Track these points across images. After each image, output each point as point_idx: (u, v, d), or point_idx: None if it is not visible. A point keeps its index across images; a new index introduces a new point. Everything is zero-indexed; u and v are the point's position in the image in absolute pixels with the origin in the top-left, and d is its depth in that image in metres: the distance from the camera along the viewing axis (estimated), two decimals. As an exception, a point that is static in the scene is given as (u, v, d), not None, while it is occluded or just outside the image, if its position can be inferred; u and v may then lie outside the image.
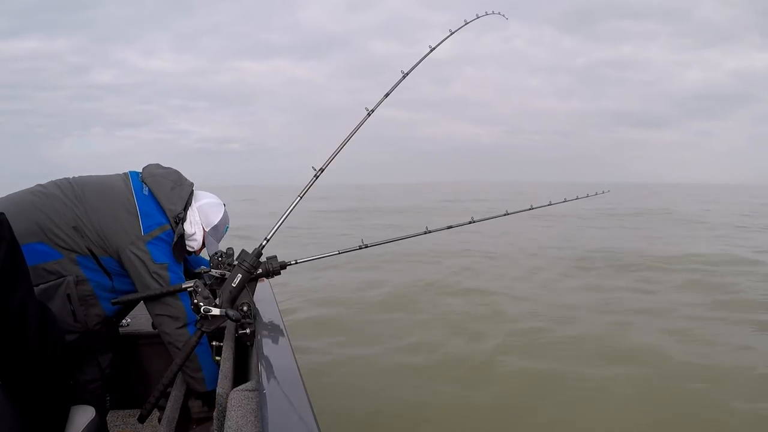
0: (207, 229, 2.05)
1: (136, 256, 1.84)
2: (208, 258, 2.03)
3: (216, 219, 2.07)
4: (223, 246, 2.03)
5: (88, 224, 1.82)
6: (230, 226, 2.17)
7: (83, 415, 1.41)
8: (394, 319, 5.65)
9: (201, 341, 1.86)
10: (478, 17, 2.56)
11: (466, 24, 2.50)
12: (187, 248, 2.03)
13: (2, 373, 1.08)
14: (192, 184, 2.05)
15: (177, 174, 2.03)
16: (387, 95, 2.24)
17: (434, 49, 2.38)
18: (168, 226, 1.92)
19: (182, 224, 1.95)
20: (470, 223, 2.33)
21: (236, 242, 2.16)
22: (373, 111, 2.17)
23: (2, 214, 1.06)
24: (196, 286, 1.77)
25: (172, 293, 1.87)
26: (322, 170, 2.04)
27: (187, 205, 2.00)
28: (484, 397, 3.73)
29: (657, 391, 3.77)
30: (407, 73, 2.28)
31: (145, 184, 1.96)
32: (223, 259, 1.92)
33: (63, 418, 1.35)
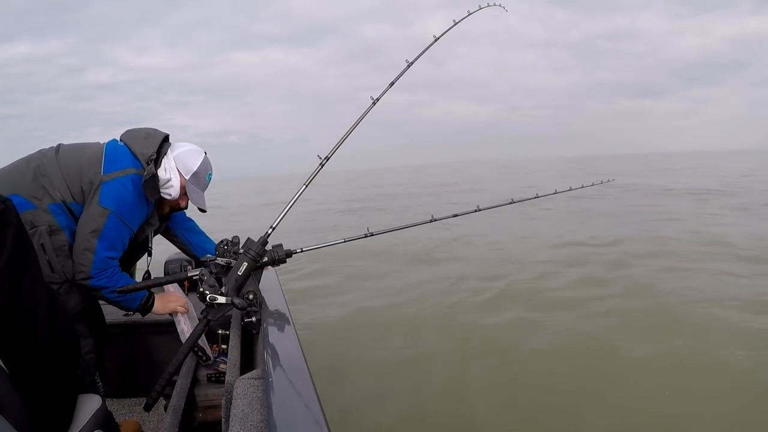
0: (187, 177, 2.02)
1: (89, 191, 1.87)
2: (198, 209, 2.11)
3: (194, 165, 2.03)
4: (228, 235, 2.03)
5: (57, 171, 1.86)
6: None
7: (90, 404, 1.41)
8: (405, 306, 5.66)
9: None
10: (481, 8, 2.60)
11: (469, 14, 2.55)
12: (164, 195, 2.01)
13: (10, 362, 1.07)
14: (167, 134, 2.08)
15: (153, 129, 2.07)
16: (392, 84, 2.25)
17: (438, 39, 2.41)
18: (131, 170, 1.93)
19: (154, 165, 1.94)
20: (476, 211, 2.32)
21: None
22: (378, 100, 2.19)
23: (8, 199, 1.05)
24: (202, 275, 1.77)
25: (179, 281, 1.87)
26: (327, 158, 2.03)
27: (161, 151, 2.01)
28: (490, 391, 3.72)
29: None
30: (412, 62, 2.30)
31: (121, 141, 2.02)
32: (229, 247, 1.92)
33: (70, 408, 1.35)
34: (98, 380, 2.05)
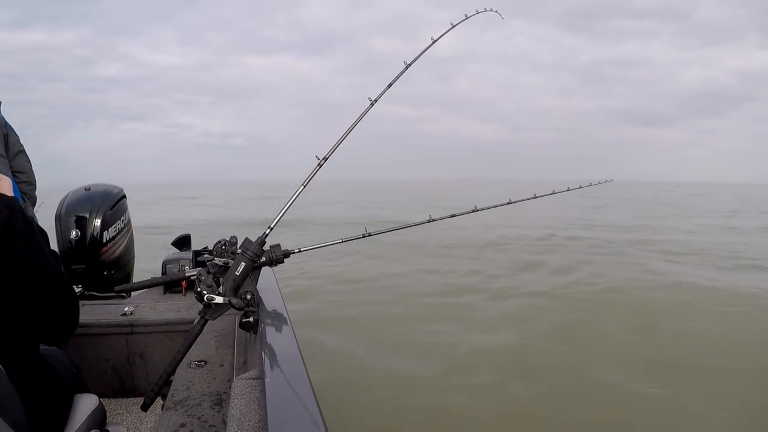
0: None
1: None
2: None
3: None
4: (227, 235, 2.02)
5: None
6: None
7: (86, 403, 1.41)
8: (402, 308, 5.67)
9: None
10: (478, 12, 2.61)
11: (466, 18, 2.55)
12: None
13: (7, 362, 1.07)
14: None
15: None
16: (389, 86, 2.26)
17: (436, 41, 2.42)
18: None
19: None
20: (473, 211, 2.31)
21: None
22: (375, 101, 2.19)
23: (15, 200, 1.05)
24: (200, 275, 1.77)
25: (176, 281, 1.86)
26: (325, 159, 2.03)
27: None
28: (491, 394, 3.73)
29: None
30: (409, 65, 2.31)
31: None
32: (227, 247, 1.92)
33: (67, 407, 1.35)
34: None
